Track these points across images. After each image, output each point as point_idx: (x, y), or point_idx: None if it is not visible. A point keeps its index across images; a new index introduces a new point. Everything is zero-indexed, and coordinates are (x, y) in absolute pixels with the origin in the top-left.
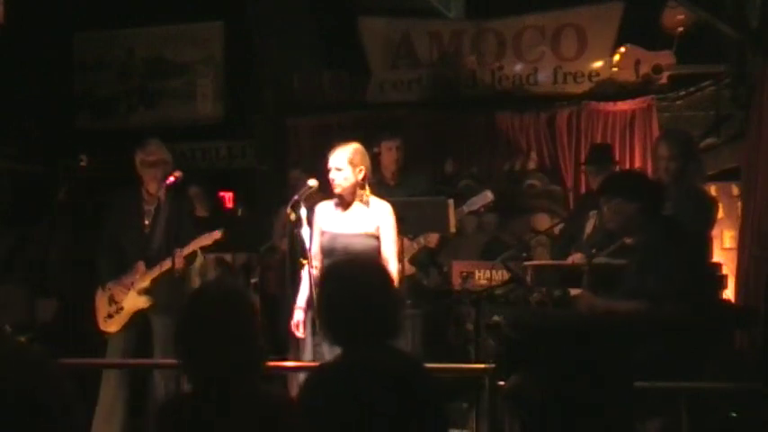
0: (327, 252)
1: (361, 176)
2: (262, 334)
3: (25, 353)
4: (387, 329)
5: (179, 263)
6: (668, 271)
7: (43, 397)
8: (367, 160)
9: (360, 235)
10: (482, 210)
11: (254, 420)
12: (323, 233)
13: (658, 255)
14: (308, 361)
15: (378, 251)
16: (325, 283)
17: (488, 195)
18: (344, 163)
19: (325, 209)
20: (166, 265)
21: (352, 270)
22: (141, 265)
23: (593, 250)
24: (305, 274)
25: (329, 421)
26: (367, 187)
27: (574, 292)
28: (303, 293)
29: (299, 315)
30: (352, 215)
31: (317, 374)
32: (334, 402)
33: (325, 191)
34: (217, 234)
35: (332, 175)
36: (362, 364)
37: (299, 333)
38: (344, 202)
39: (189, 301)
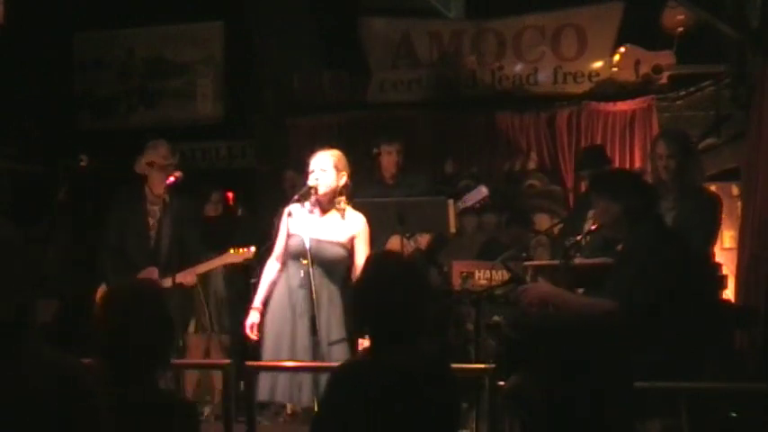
0: (298, 255)
1: (342, 182)
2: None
3: (71, 360)
4: (416, 327)
5: (190, 280)
6: (628, 281)
7: (91, 400)
8: (348, 168)
9: (332, 243)
10: (477, 205)
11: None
12: (293, 236)
13: (631, 261)
14: (300, 360)
15: (344, 261)
16: (363, 277)
17: (483, 191)
18: (329, 165)
19: (300, 211)
20: (179, 278)
21: (389, 266)
22: (154, 271)
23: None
24: (266, 273)
25: (352, 419)
26: (344, 196)
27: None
28: (261, 294)
29: (254, 317)
30: (328, 222)
31: (341, 372)
32: (355, 400)
33: None
34: (249, 253)
35: (315, 176)
36: (386, 363)
37: (253, 335)
38: (322, 208)
39: None
